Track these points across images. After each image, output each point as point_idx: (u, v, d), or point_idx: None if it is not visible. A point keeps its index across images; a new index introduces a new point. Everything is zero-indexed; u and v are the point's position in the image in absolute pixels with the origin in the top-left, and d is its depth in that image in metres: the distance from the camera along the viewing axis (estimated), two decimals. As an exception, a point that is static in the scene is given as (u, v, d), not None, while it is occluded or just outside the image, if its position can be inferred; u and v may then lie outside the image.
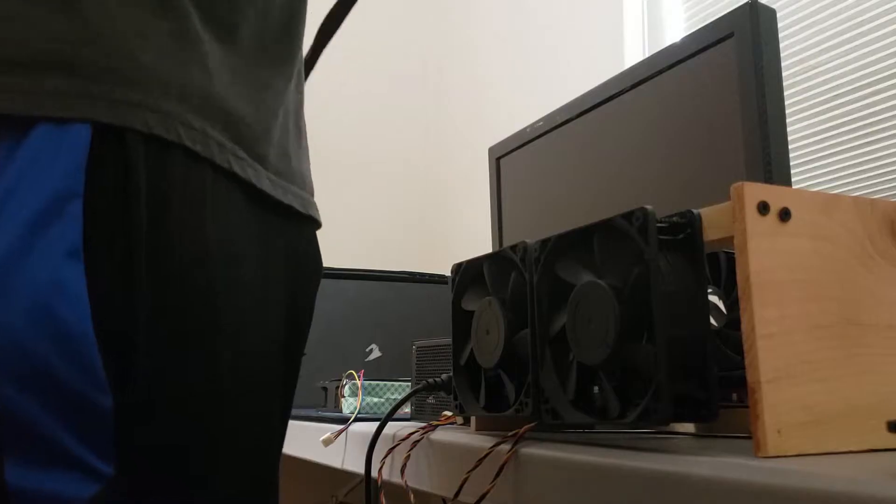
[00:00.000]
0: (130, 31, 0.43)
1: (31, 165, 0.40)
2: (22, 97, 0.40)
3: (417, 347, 0.91)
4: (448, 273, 0.70)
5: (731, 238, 0.48)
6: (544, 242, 0.60)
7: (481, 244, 1.27)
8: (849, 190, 1.75)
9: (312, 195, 0.61)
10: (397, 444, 0.76)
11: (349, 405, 1.05)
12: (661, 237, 0.51)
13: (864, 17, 1.75)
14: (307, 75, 0.66)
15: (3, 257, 0.38)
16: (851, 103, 1.73)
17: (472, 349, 0.66)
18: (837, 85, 1.84)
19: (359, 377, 1.05)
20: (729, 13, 0.86)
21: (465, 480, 0.61)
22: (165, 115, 0.43)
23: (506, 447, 0.58)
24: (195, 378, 0.42)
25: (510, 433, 0.59)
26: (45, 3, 0.41)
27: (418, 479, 0.73)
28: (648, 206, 0.51)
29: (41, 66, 0.41)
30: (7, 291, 0.37)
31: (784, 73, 0.83)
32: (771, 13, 0.82)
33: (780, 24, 0.78)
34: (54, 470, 0.38)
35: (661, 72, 0.96)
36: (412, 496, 0.72)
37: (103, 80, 0.42)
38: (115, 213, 0.40)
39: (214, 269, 0.43)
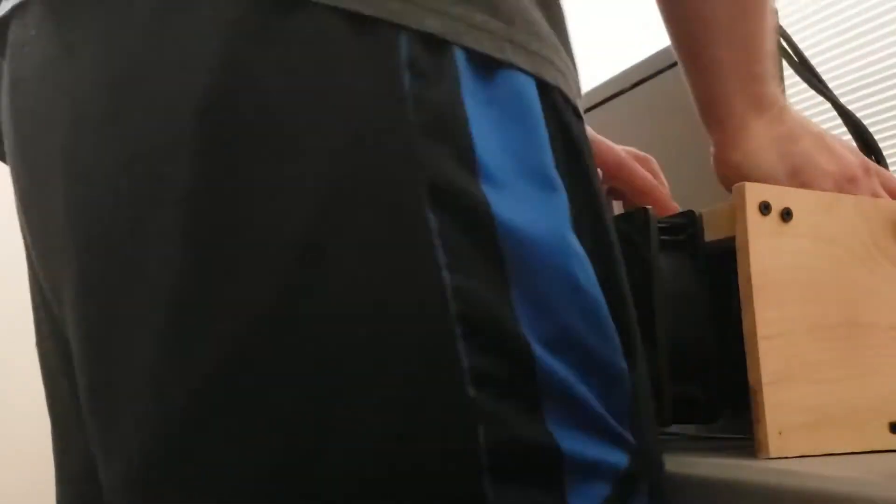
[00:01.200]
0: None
1: (525, 119, 0.38)
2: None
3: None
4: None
5: (733, 238, 0.48)
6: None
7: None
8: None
9: None
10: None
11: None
12: (662, 238, 0.51)
13: (864, 17, 1.75)
14: None
15: (524, 222, 0.36)
16: (852, 103, 1.73)
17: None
18: (838, 85, 1.84)
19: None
20: (729, 13, 0.85)
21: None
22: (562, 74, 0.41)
23: (506, 448, 0.58)
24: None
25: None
26: None
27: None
28: (649, 207, 0.51)
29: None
30: (536, 261, 0.36)
31: (784, 73, 0.83)
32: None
33: (779, 24, 0.78)
34: (592, 437, 0.36)
35: (661, 72, 0.96)
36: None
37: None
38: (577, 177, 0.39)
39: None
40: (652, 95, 0.99)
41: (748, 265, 0.47)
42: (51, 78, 0.39)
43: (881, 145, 0.64)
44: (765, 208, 0.47)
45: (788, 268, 0.48)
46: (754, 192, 0.48)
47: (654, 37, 0.89)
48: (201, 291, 0.35)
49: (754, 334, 0.46)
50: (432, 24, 0.35)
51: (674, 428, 0.65)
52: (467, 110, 0.36)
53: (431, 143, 0.35)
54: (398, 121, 0.35)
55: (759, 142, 0.55)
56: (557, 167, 0.38)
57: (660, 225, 0.51)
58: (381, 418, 0.34)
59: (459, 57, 0.36)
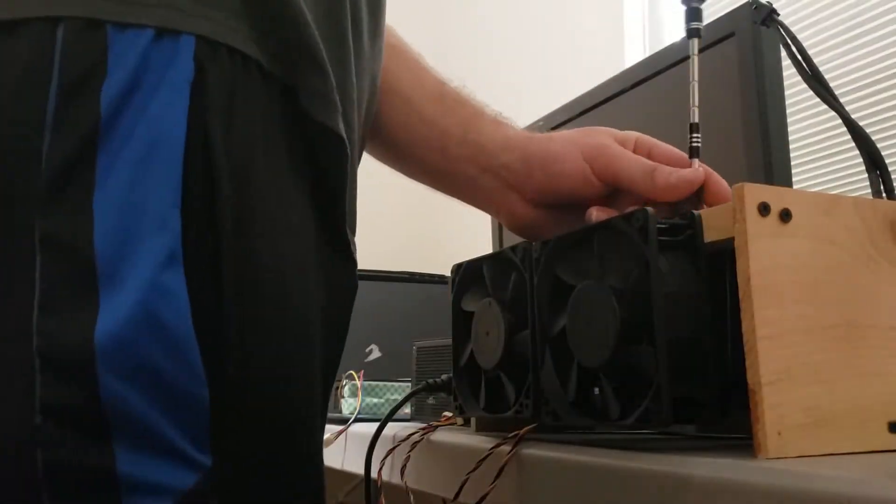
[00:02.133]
0: None
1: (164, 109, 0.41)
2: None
3: (418, 348, 0.91)
4: (448, 273, 0.70)
5: (732, 239, 0.48)
6: (544, 243, 0.60)
7: (481, 244, 1.27)
8: (849, 190, 1.75)
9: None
10: (397, 445, 0.76)
11: (349, 406, 1.05)
12: (662, 238, 0.51)
13: (864, 17, 1.75)
14: None
15: (118, 259, 0.40)
16: (852, 103, 1.73)
17: (472, 350, 0.66)
18: (838, 85, 1.84)
19: (358, 378, 1.05)
20: (729, 13, 0.85)
21: (465, 481, 0.61)
22: None
23: (506, 448, 0.58)
24: (272, 368, 0.45)
25: (510, 434, 0.59)
26: None
27: (418, 479, 0.73)
28: (649, 207, 0.51)
29: None
30: (121, 296, 0.39)
31: (784, 73, 0.83)
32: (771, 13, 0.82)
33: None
34: (159, 460, 0.40)
35: (661, 72, 0.96)
36: (412, 497, 0.72)
37: None
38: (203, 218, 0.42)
39: (288, 279, 0.46)
40: (652, 95, 0.99)
41: (747, 265, 0.47)
42: None
43: (881, 145, 0.64)
44: (764, 209, 0.47)
45: (788, 268, 0.48)
46: (753, 193, 0.48)
47: (652, 38, 0.89)
48: None
49: (754, 334, 0.46)
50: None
51: (674, 428, 0.66)
52: (97, 176, 0.39)
53: (53, 206, 0.38)
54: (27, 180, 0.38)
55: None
56: (185, 203, 0.40)
57: (659, 225, 0.51)
58: None
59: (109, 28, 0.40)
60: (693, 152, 0.63)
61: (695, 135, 0.63)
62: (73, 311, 0.39)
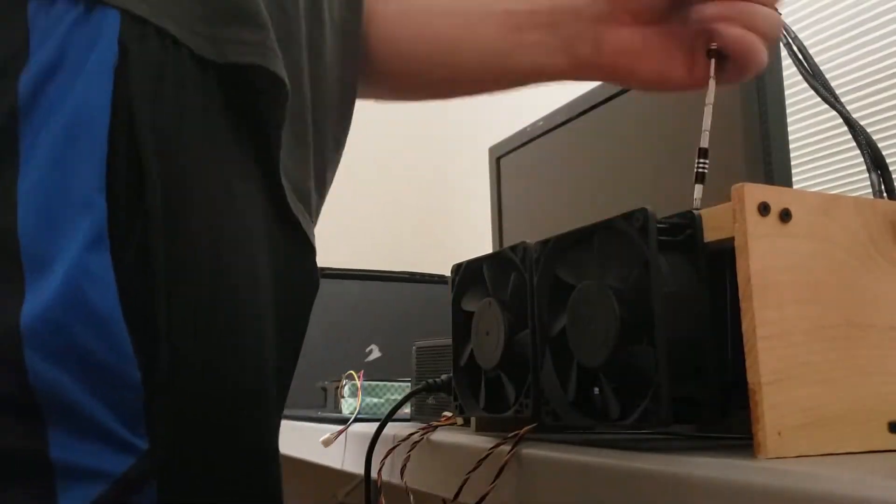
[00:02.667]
0: None
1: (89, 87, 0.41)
2: None
3: (417, 348, 0.91)
4: (448, 273, 0.70)
5: (732, 239, 0.48)
6: (544, 243, 0.60)
7: (481, 244, 1.27)
8: (849, 190, 1.75)
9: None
10: (397, 445, 0.76)
11: (349, 406, 1.05)
12: (662, 238, 0.51)
13: (865, 17, 1.75)
14: None
15: (43, 242, 0.40)
16: (852, 103, 1.73)
17: (472, 350, 0.66)
18: (838, 85, 1.84)
19: (358, 378, 1.05)
20: (729, 13, 0.85)
21: (465, 481, 0.61)
22: None
23: (506, 448, 0.58)
24: (209, 355, 0.44)
25: (510, 434, 0.59)
26: None
27: (418, 479, 0.73)
28: (649, 207, 0.51)
29: None
30: (48, 277, 0.39)
31: (784, 73, 0.83)
32: (771, 13, 0.82)
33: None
34: (92, 444, 0.39)
35: (661, 72, 0.96)
36: (412, 497, 0.71)
37: None
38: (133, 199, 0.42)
39: (229, 255, 0.45)
40: (652, 95, 0.99)
41: (747, 265, 0.47)
42: None
43: (881, 145, 0.64)
44: (764, 209, 0.47)
45: (788, 268, 0.48)
46: (753, 193, 0.48)
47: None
48: None
49: (754, 334, 0.46)
50: None
51: (674, 428, 0.66)
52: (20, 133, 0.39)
53: None
54: None
55: None
56: (109, 188, 0.40)
57: (659, 225, 0.51)
58: None
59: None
60: (698, 178, 0.61)
61: (702, 160, 0.62)
62: (5, 298, 0.38)
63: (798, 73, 0.69)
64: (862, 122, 0.66)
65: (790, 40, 0.69)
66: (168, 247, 0.41)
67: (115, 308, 0.40)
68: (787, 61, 0.81)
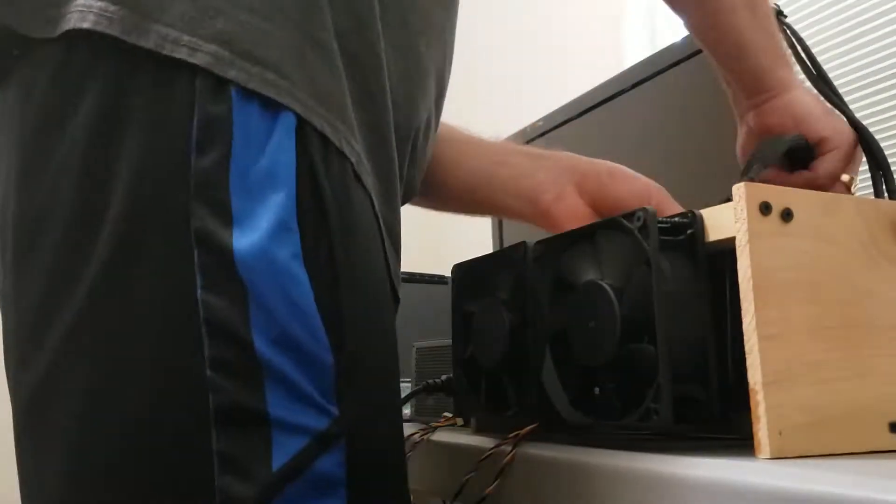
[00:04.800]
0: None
1: (280, 151, 0.53)
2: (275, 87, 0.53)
3: (417, 349, 0.90)
4: (448, 273, 0.70)
5: (733, 239, 0.48)
6: (545, 242, 0.60)
7: (481, 244, 1.27)
8: (849, 190, 1.75)
9: None
10: (397, 445, 0.76)
11: (349, 405, 1.05)
12: (663, 237, 0.51)
13: (865, 17, 1.75)
14: None
15: (257, 257, 0.51)
16: (852, 103, 1.73)
17: (472, 350, 0.66)
18: (838, 85, 1.84)
19: (359, 377, 1.05)
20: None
21: (465, 482, 0.61)
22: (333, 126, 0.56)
23: (506, 448, 0.58)
24: (376, 346, 0.57)
25: (511, 434, 0.59)
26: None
27: (418, 480, 0.73)
28: (649, 207, 0.51)
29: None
30: (264, 283, 0.51)
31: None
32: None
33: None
34: (299, 406, 0.51)
35: (661, 72, 0.96)
36: (412, 497, 0.71)
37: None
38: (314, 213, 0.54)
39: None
40: (652, 95, 0.99)
41: (748, 265, 0.47)
42: None
43: (881, 145, 0.64)
44: (765, 208, 0.47)
45: (788, 268, 0.48)
46: (755, 193, 0.48)
47: (652, 38, 0.89)
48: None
49: (754, 334, 0.46)
50: (206, 61, 0.52)
51: (674, 428, 0.65)
52: (230, 176, 0.51)
53: (200, 202, 0.51)
54: (181, 184, 0.51)
55: (800, 91, 0.73)
56: (298, 210, 0.52)
57: (660, 225, 0.51)
58: (152, 383, 0.50)
59: (235, 91, 0.53)
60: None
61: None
62: (228, 292, 0.50)
63: (797, 73, 0.69)
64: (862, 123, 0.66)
65: (795, 42, 0.69)
66: (343, 258, 0.54)
67: (313, 306, 0.52)
68: (787, 61, 0.81)
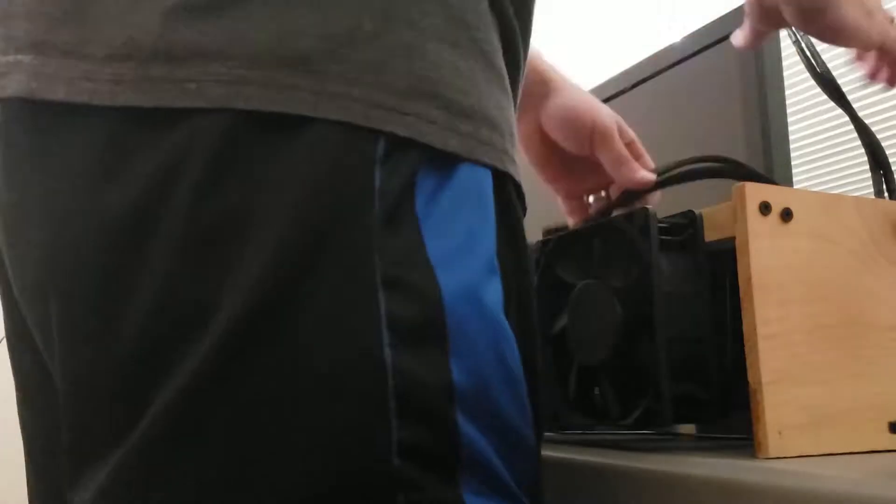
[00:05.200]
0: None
1: (478, 208, 0.43)
2: (460, 138, 0.42)
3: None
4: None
5: (733, 238, 0.48)
6: (545, 243, 0.60)
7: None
8: (850, 190, 1.75)
9: None
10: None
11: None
12: (662, 238, 0.51)
13: (865, 17, 1.75)
14: None
15: (467, 301, 0.41)
16: (852, 103, 1.73)
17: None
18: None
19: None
20: (729, 13, 0.85)
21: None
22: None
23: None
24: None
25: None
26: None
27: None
28: (649, 207, 0.51)
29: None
30: (474, 337, 0.41)
31: (784, 73, 0.83)
32: (771, 13, 0.82)
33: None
34: (494, 498, 0.41)
35: (661, 72, 0.96)
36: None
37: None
38: (512, 262, 0.45)
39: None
40: (652, 95, 0.99)
41: (748, 265, 0.47)
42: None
43: (882, 145, 0.64)
44: (765, 208, 0.47)
45: (788, 268, 0.48)
46: (754, 193, 0.48)
47: (653, 37, 0.89)
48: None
49: (754, 334, 0.46)
50: (401, 129, 0.40)
51: (674, 428, 0.65)
52: (418, 196, 0.41)
53: (387, 231, 0.39)
54: (363, 209, 0.39)
55: None
56: (498, 252, 0.43)
57: (660, 225, 0.51)
58: (309, 476, 0.38)
59: (419, 154, 0.41)
60: None
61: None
62: (426, 354, 0.39)
63: (797, 73, 0.69)
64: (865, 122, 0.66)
65: (798, 38, 0.69)
66: (538, 320, 0.46)
67: (520, 367, 0.43)
68: (787, 61, 0.81)
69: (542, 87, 0.67)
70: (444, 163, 0.41)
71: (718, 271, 0.51)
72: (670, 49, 0.96)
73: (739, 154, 0.82)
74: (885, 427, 0.49)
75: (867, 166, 0.63)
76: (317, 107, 0.39)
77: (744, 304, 0.47)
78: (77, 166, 0.41)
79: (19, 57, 0.42)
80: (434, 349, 0.39)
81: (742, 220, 0.47)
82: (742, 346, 0.47)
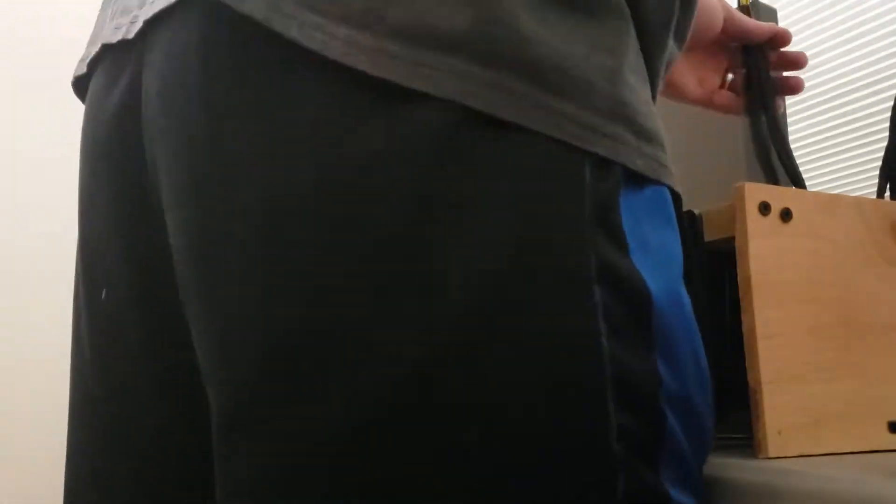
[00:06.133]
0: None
1: (667, 224, 0.45)
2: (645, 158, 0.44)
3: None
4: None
5: (733, 238, 0.48)
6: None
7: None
8: (849, 190, 1.75)
9: None
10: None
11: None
12: (662, 237, 0.50)
13: (865, 17, 1.75)
14: None
15: (672, 302, 0.43)
16: (851, 103, 1.73)
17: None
18: (837, 85, 1.84)
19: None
20: (729, 13, 0.85)
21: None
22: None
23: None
24: None
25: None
26: None
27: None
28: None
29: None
30: (678, 336, 0.43)
31: (784, 73, 0.83)
32: (771, 13, 0.82)
33: (780, 24, 0.78)
34: (688, 490, 0.42)
35: (661, 72, 0.96)
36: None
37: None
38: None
39: None
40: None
41: (748, 265, 0.47)
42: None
43: (881, 145, 0.64)
44: (764, 208, 0.47)
45: (788, 268, 0.48)
46: (754, 193, 0.48)
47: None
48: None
49: (754, 334, 0.46)
50: (603, 150, 0.42)
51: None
52: (621, 205, 0.42)
53: (598, 228, 0.41)
54: (579, 207, 0.41)
55: None
56: (686, 258, 0.45)
57: (660, 225, 0.51)
58: (536, 464, 0.39)
59: (620, 170, 0.43)
60: None
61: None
62: (637, 347, 0.41)
63: (798, 73, 0.69)
64: (862, 123, 0.66)
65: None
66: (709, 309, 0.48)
67: (708, 371, 0.44)
68: (787, 61, 0.81)
69: None
70: (637, 181, 0.43)
71: (718, 271, 0.51)
72: (670, 49, 0.96)
73: (739, 154, 0.82)
74: (885, 427, 0.49)
75: (867, 166, 0.63)
76: (537, 120, 0.41)
77: (743, 304, 0.47)
78: (302, 118, 0.41)
79: None
80: (643, 343, 0.41)
81: (742, 220, 0.47)
82: (742, 346, 0.47)
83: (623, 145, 0.43)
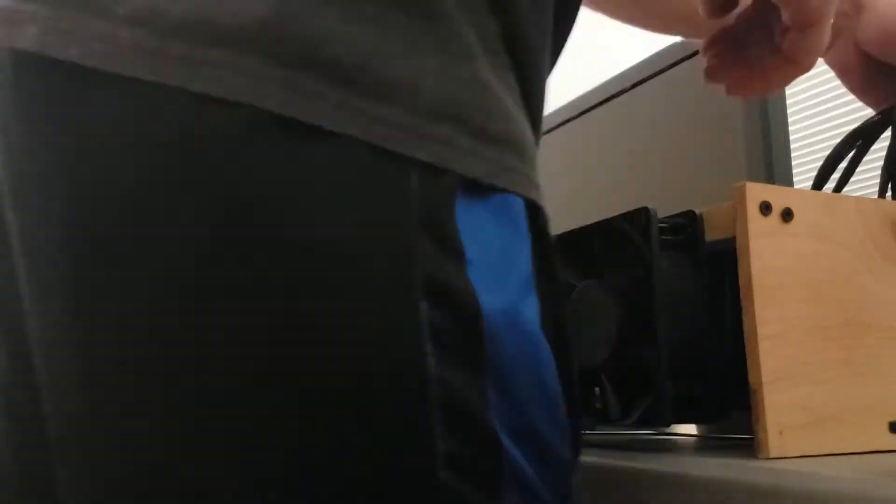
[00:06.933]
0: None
1: (513, 232, 0.42)
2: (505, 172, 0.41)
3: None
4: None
5: (733, 238, 0.48)
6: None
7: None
8: (850, 190, 1.75)
9: None
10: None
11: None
12: (663, 237, 0.51)
13: (865, 17, 1.75)
14: None
15: (506, 315, 0.40)
16: (852, 103, 1.73)
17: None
18: (838, 85, 1.83)
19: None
20: (730, 13, 0.85)
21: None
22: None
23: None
24: None
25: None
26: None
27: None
28: (650, 206, 0.51)
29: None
30: (511, 353, 0.40)
31: (785, 73, 0.83)
32: (772, 13, 0.82)
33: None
34: None
35: (661, 72, 0.96)
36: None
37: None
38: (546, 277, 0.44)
39: None
40: (652, 95, 0.99)
41: (748, 265, 0.47)
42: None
43: (882, 145, 0.64)
44: (765, 208, 0.47)
45: (789, 268, 0.48)
46: (754, 193, 0.48)
47: (654, 37, 0.89)
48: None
49: (754, 334, 0.46)
50: (425, 154, 0.39)
51: (674, 428, 0.66)
52: (457, 214, 0.39)
53: (427, 239, 0.38)
54: (398, 218, 0.38)
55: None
56: (533, 271, 0.42)
57: (660, 224, 0.51)
58: (353, 487, 0.37)
59: (456, 175, 0.39)
60: None
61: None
62: (468, 368, 0.38)
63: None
64: (861, 122, 0.66)
65: None
66: (568, 326, 0.45)
67: (558, 387, 0.42)
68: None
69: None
70: (480, 188, 0.40)
71: (718, 271, 0.51)
72: (670, 49, 0.96)
73: (739, 154, 0.82)
74: (886, 427, 0.49)
75: (867, 166, 0.63)
76: (341, 122, 0.37)
77: (744, 304, 0.47)
78: (92, 136, 0.38)
79: (35, 6, 0.38)
80: (473, 365, 0.38)
81: (742, 220, 0.47)
82: (742, 346, 0.47)
83: (453, 148, 0.40)
